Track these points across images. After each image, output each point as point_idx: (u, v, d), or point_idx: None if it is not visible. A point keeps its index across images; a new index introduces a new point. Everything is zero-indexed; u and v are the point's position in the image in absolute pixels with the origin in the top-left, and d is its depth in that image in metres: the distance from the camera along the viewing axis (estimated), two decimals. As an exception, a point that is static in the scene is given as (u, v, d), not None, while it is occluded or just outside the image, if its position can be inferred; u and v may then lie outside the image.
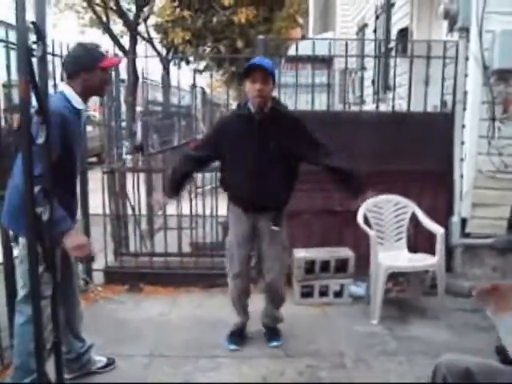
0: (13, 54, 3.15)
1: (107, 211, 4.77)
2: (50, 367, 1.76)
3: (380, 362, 3.36)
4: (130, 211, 5.08)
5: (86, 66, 2.66)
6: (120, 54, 5.29)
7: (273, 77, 3.15)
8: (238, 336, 3.60)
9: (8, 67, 3.14)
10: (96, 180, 4.71)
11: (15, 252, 2.88)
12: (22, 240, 2.63)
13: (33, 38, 1.65)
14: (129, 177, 5.02)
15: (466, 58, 4.47)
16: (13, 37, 2.86)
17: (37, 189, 1.64)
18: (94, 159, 11.67)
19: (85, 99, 2.75)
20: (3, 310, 3.12)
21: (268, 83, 3.12)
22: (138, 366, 3.29)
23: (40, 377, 1.71)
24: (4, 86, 3.49)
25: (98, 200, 4.64)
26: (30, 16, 1.62)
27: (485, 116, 4.44)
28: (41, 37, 1.61)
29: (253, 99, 3.15)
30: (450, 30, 4.65)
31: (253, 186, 3.20)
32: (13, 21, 1.58)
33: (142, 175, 5.12)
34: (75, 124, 2.69)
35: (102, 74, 2.73)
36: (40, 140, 1.67)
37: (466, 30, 4.41)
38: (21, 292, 2.70)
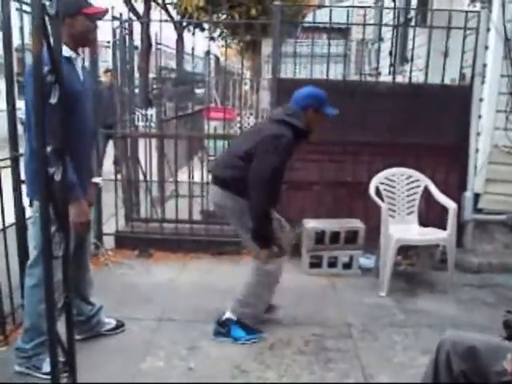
0: (26, 18, 3.10)
1: (119, 176, 4.79)
2: (61, 328, 1.78)
3: (386, 334, 3.37)
4: (141, 177, 5.09)
5: (69, 10, 2.55)
6: (133, 18, 5.25)
7: None
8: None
9: (21, 30, 3.08)
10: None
11: (29, 214, 2.89)
12: (36, 203, 2.64)
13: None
14: (141, 143, 5.01)
15: (488, 30, 4.37)
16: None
17: (49, 149, 1.63)
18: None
19: (72, 49, 2.65)
20: (15, 270, 3.16)
21: None
22: (146, 329, 3.33)
23: (51, 336, 1.73)
24: (17, 50, 3.43)
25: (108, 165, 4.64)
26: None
27: (504, 90, 4.37)
28: (55, -6, 1.57)
29: (315, 128, 3.20)
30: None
31: None
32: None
33: (153, 141, 5.11)
34: (70, 73, 2.53)
35: (86, 21, 2.63)
36: (53, 100, 1.65)
37: (488, 1, 4.31)
38: (32, 253, 2.73)
